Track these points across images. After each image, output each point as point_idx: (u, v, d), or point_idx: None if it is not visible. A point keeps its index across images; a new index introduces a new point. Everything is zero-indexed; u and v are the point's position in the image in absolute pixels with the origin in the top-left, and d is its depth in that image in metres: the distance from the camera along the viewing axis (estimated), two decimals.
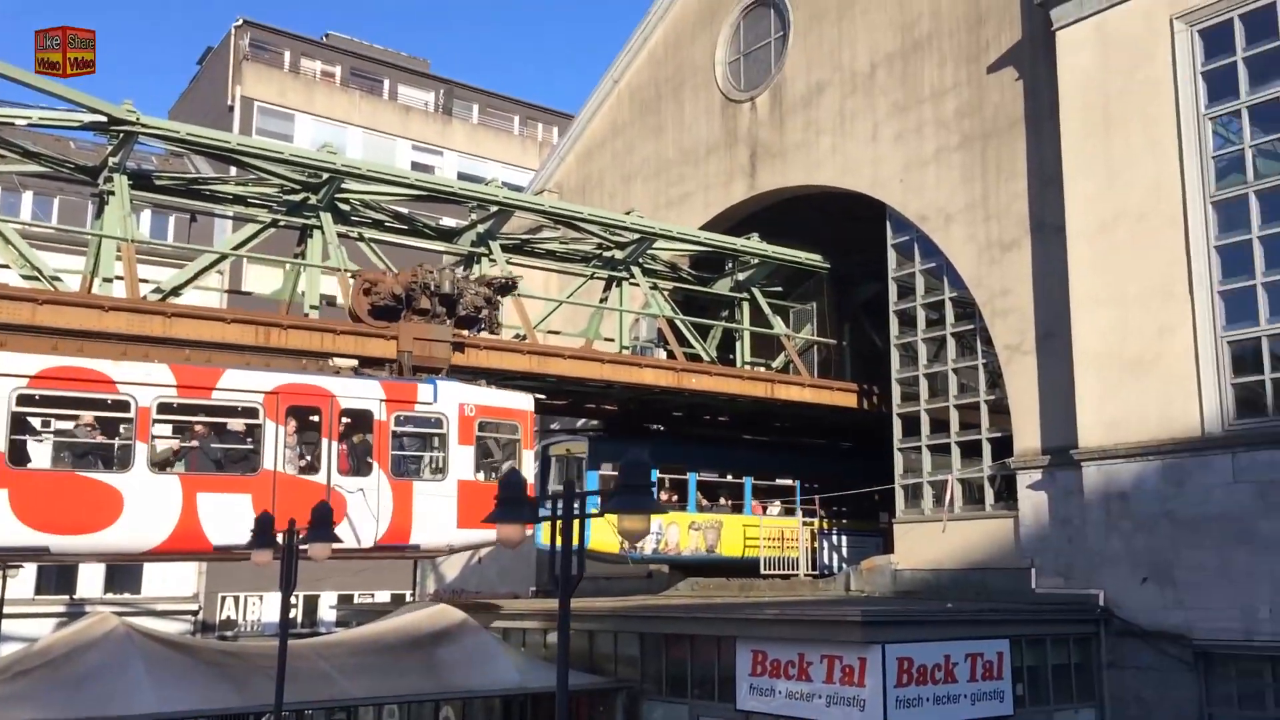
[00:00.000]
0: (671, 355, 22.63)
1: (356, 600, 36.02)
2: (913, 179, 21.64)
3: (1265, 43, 16.04)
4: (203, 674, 15.70)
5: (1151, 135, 16.99)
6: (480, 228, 20.91)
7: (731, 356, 24.23)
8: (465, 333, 18.25)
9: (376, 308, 17.39)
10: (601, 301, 22.85)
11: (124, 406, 14.61)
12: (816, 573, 23.59)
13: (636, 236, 22.25)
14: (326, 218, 18.72)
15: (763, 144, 25.15)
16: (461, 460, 16.94)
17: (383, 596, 37.67)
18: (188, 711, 14.78)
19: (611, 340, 22.34)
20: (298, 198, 18.86)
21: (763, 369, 23.93)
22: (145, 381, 14.73)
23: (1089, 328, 17.44)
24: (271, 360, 16.37)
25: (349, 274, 18.05)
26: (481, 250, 20.79)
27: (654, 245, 22.66)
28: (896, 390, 22.02)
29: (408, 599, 35.06)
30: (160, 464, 14.97)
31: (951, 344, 21.01)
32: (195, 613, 34.95)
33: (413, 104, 49.44)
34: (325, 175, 18.48)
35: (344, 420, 16.19)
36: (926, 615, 15.76)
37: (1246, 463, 15.34)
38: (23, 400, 14.06)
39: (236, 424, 15.66)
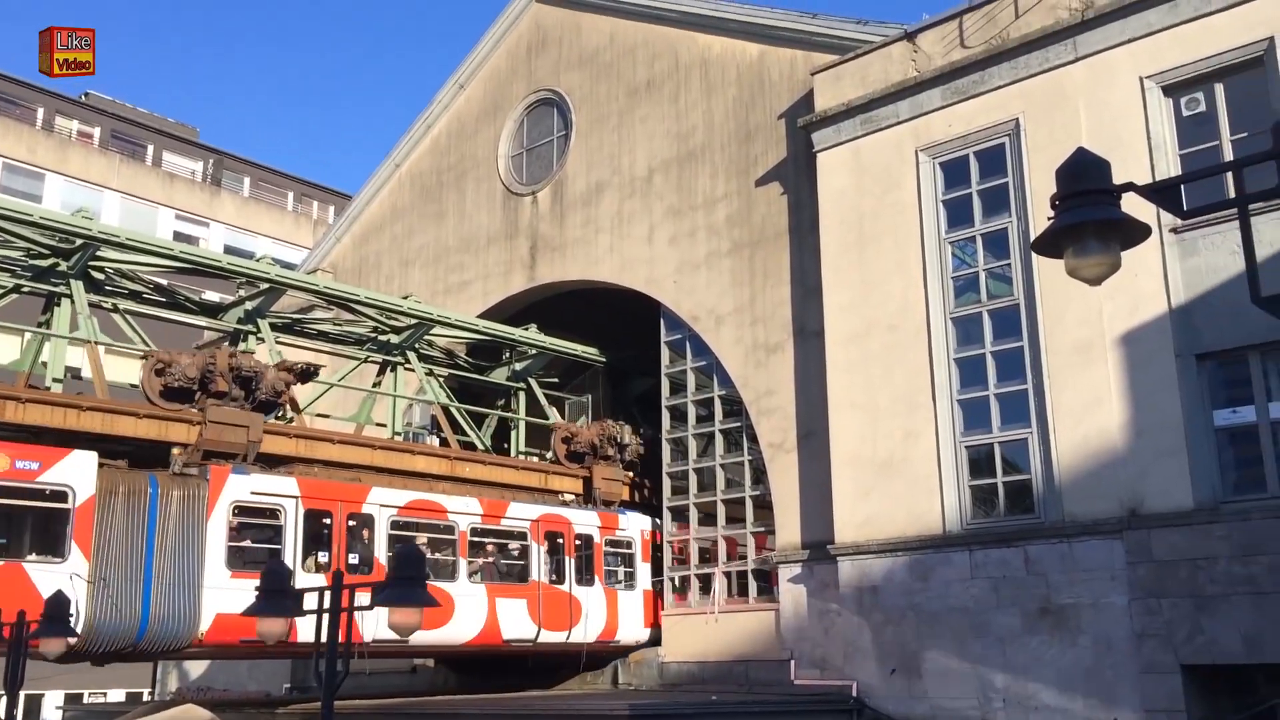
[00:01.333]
0: (445, 443, 22.37)
1: (86, 699, 32.86)
2: (685, 280, 22.57)
3: (995, 178, 17.86)
4: None
5: (900, 253, 18.47)
6: (249, 304, 20.18)
7: (506, 446, 24.19)
8: (263, 417, 17.61)
9: (169, 389, 16.86)
10: (375, 386, 22.39)
11: (451, 530, 19.18)
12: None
13: (414, 322, 22.05)
14: (78, 286, 17.59)
15: (543, 237, 25.62)
16: (644, 573, 22.18)
17: (116, 695, 34.56)
18: None
19: (384, 426, 21.87)
20: (46, 263, 17.63)
21: (536, 459, 24.00)
22: (463, 511, 19.43)
23: (844, 429, 18.55)
24: None
25: (144, 356, 17.24)
26: (249, 328, 20.03)
27: (431, 331, 22.52)
28: (667, 483, 22.59)
29: (145, 698, 32.31)
30: (472, 575, 19.31)
31: (720, 440, 21.82)
32: None
33: (178, 171, 47.34)
34: (79, 241, 17.40)
35: (576, 542, 21.13)
36: (691, 709, 16.05)
37: (981, 559, 16.60)
38: (394, 525, 18.28)
39: (514, 545, 20.38)
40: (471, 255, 26.98)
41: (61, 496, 14.77)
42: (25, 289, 17.85)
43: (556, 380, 25.95)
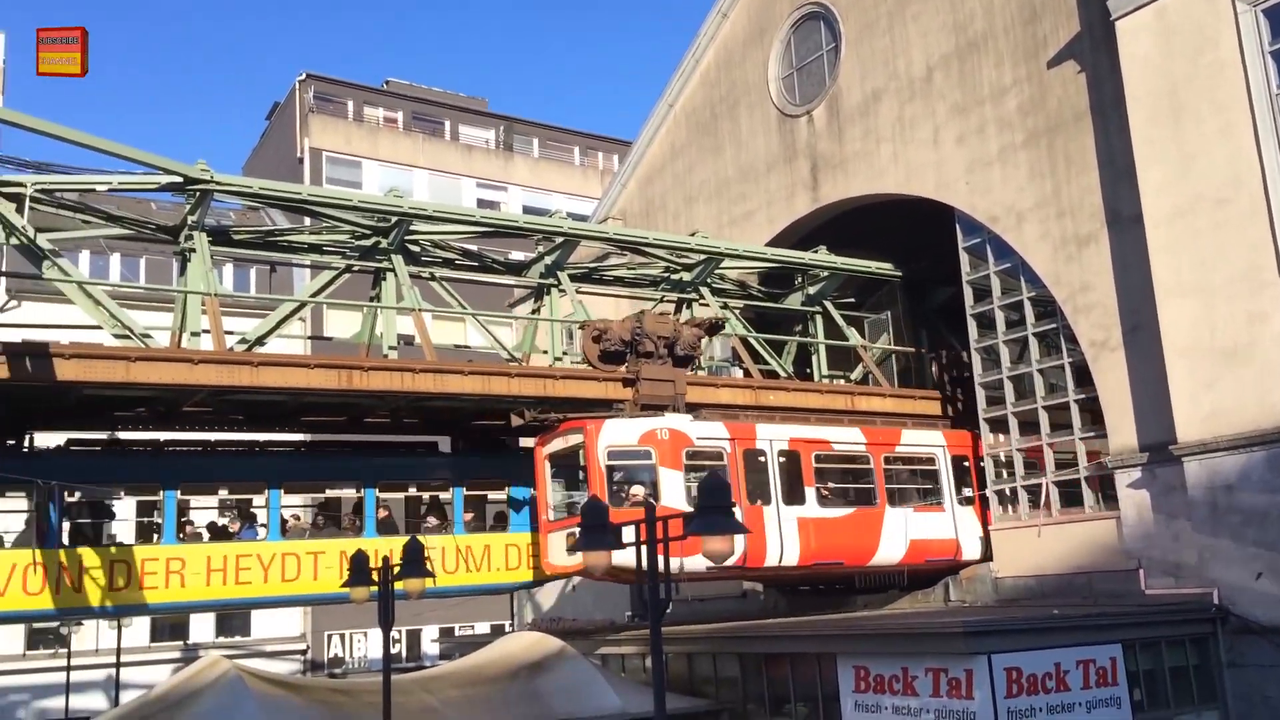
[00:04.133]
0: (747, 373, 22.52)
1: (457, 633, 36.34)
2: (979, 180, 21.33)
3: None
4: (313, 713, 15.96)
5: (1223, 119, 16.52)
6: (548, 259, 21.09)
7: (809, 371, 24.03)
8: (685, 372, 19.53)
9: (606, 353, 18.98)
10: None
11: (865, 460, 20.43)
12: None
13: (703, 257, 22.24)
14: (398, 260, 19.02)
15: (823, 156, 25.01)
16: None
17: (482, 628, 37.96)
18: None
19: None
20: (369, 242, 19.21)
21: (841, 382, 23.68)
22: (847, 440, 20.27)
23: (1176, 318, 16.97)
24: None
25: (580, 325, 19.73)
26: (550, 281, 20.96)
27: (721, 265, 22.63)
28: (981, 395, 21.63)
29: (506, 629, 35.30)
30: (891, 499, 20.36)
31: (1034, 344, 20.59)
32: (304, 652, 35.55)
33: (474, 143, 50.20)
34: (394, 219, 18.80)
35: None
36: (1032, 623, 15.36)
37: None
38: (782, 456, 19.42)
39: (917, 469, 21.26)
40: (752, 184, 26.81)
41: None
42: (355, 268, 19.55)
43: (853, 300, 25.41)
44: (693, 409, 19.11)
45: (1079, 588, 18.73)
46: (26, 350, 15.10)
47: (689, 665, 18.88)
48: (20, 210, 15.76)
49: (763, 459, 19.16)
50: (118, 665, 29.56)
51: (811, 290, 24.17)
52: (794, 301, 24.52)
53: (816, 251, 23.64)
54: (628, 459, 17.93)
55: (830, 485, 20.18)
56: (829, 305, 24.02)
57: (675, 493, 17.78)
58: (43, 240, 16.21)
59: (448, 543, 18.96)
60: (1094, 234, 19.11)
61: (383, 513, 18.95)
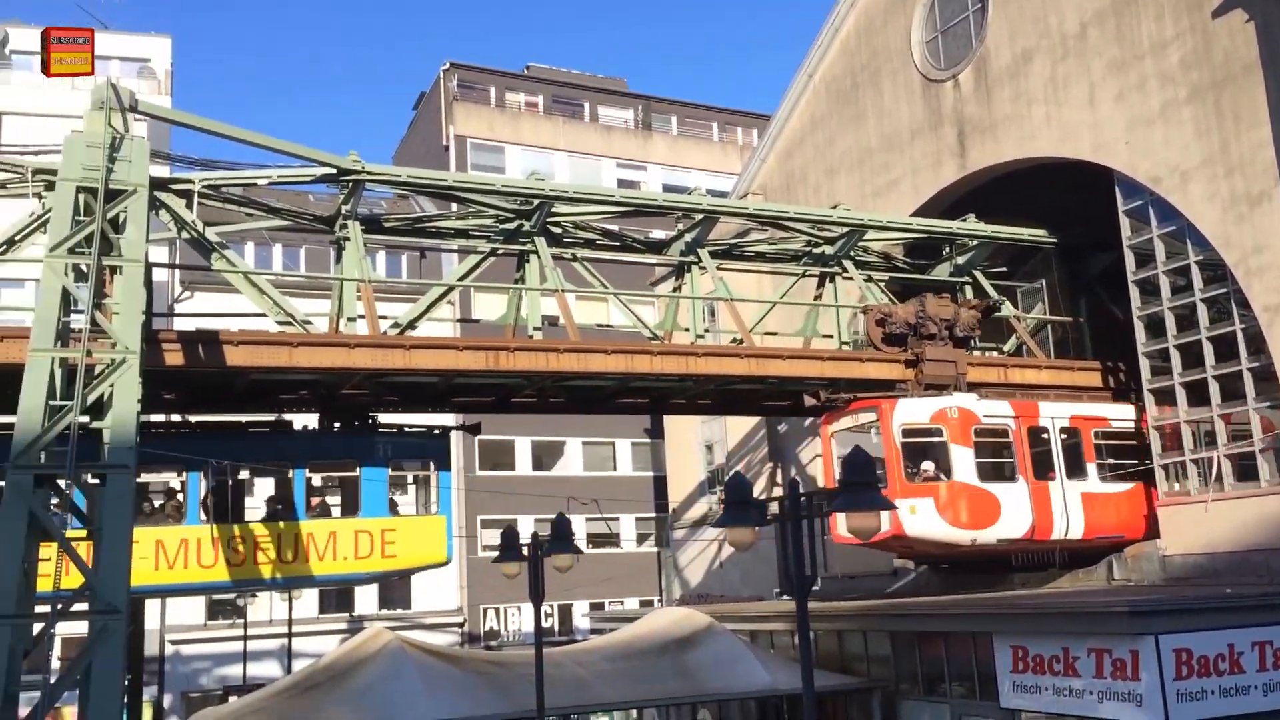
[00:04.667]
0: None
1: (607, 607, 36.97)
2: (1139, 139, 20.25)
3: None
4: (470, 682, 16.52)
5: None
6: (688, 237, 21.07)
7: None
8: (965, 353, 20.47)
9: (889, 336, 20.28)
10: (816, 299, 22.55)
11: (1138, 435, 20.90)
12: None
13: (845, 230, 21.83)
14: (540, 242, 19.31)
15: (970, 121, 24.18)
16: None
17: (631, 603, 38.53)
18: (460, 718, 15.55)
19: (830, 337, 21.99)
20: (513, 225, 19.56)
21: (994, 354, 22.94)
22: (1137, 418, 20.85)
23: None
24: None
25: (863, 309, 21.04)
26: (691, 259, 20.94)
27: (864, 237, 22.17)
28: (1145, 365, 20.62)
29: (655, 605, 35.73)
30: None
31: (1203, 310, 19.48)
32: (461, 625, 36.76)
33: (613, 123, 50.50)
34: (536, 201, 19.09)
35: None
36: (1203, 603, 14.61)
37: None
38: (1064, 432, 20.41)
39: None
40: (896, 153, 26.14)
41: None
42: (500, 251, 19.96)
43: (1004, 269, 24.53)
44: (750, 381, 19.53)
45: (1254, 565, 17.69)
46: (199, 338, 16.03)
47: (839, 642, 18.72)
48: (190, 205, 16.66)
49: (1045, 435, 20.15)
50: (289, 635, 31.18)
51: (960, 260, 23.45)
52: (942, 273, 23.84)
53: (965, 220, 22.90)
54: (920, 436, 18.99)
55: (1108, 460, 20.80)
56: (979, 275, 23.26)
57: (966, 468, 18.84)
58: (211, 234, 17.09)
59: (285, 530, 17.28)
60: (1266, 192, 17.93)
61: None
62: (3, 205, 30.53)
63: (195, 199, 16.78)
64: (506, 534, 13.69)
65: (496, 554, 14.44)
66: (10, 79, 38.23)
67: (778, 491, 26.44)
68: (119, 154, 14.84)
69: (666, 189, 42.34)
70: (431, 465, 18.73)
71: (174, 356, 15.72)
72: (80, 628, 11.45)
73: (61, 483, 11.96)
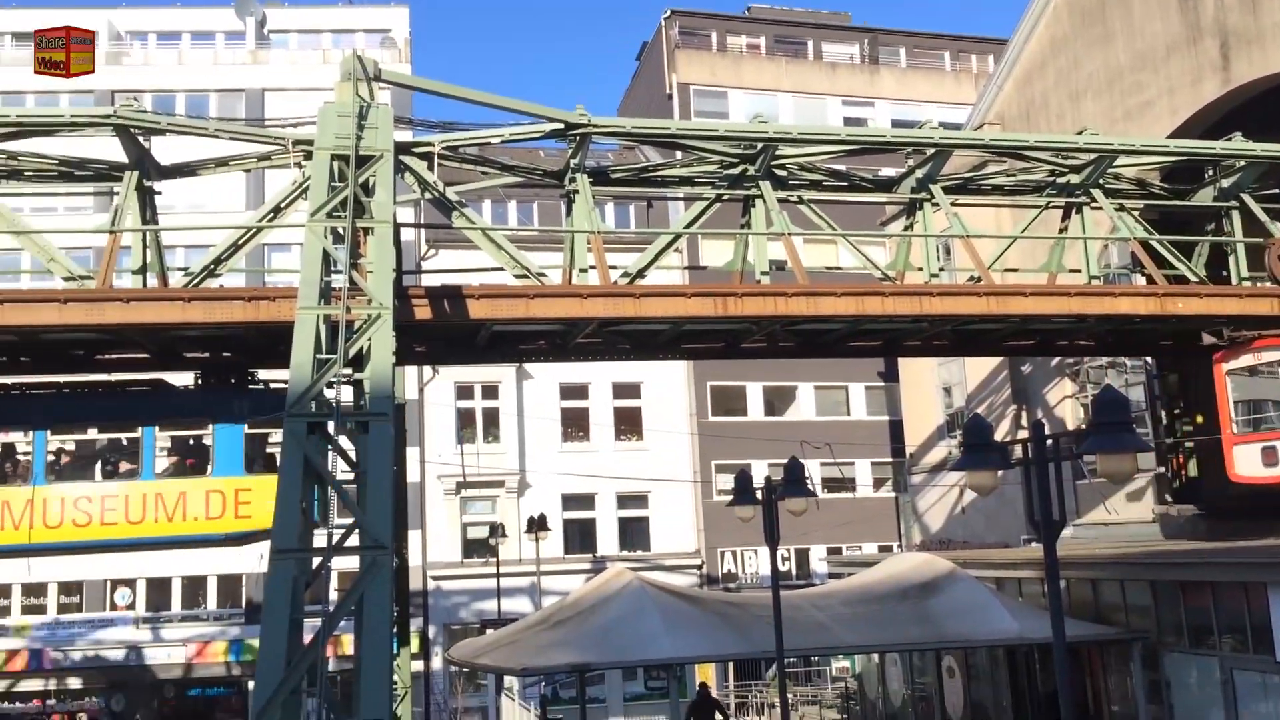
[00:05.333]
0: (1150, 280, 20.58)
1: (845, 552, 36.82)
2: None
3: None
4: (709, 622, 16.89)
5: None
6: (919, 173, 20.32)
7: (1224, 274, 21.50)
8: None
9: None
10: (1061, 232, 21.30)
11: None
12: None
13: (1093, 157, 20.42)
14: (765, 186, 19.14)
15: (1234, 31, 22.02)
16: None
17: (869, 548, 38.20)
18: (700, 656, 15.97)
19: (1078, 272, 20.76)
20: (737, 170, 19.48)
21: (1266, 284, 21.00)
22: None
23: None
24: None
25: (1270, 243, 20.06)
26: (922, 195, 20.21)
27: (1115, 163, 20.69)
28: None
29: (894, 550, 35.28)
30: None
31: None
32: (699, 566, 37.54)
33: (838, 60, 49.15)
34: (759, 145, 18.90)
35: None
36: None
37: None
38: None
39: None
40: (1149, 72, 24.18)
41: None
42: (725, 197, 19.94)
43: (1277, 191, 22.32)
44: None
45: None
46: (444, 293, 16.97)
47: (1094, 591, 17.90)
48: (431, 167, 17.56)
49: None
50: (538, 574, 32.84)
51: (1225, 183, 21.50)
52: (1204, 197, 21.94)
53: (1230, 139, 20.95)
54: None
55: None
56: (1247, 198, 21.28)
57: None
58: (451, 193, 17.95)
59: (132, 490, 16.76)
60: None
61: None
62: (270, 176, 33.06)
63: (435, 160, 17.65)
64: (740, 478, 13.86)
65: (730, 498, 14.64)
66: (270, 58, 41.22)
67: (1023, 435, 25.41)
68: (366, 121, 15.80)
69: (895, 124, 40.96)
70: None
71: (422, 311, 16.75)
72: (352, 563, 12.45)
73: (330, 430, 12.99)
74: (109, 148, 17.68)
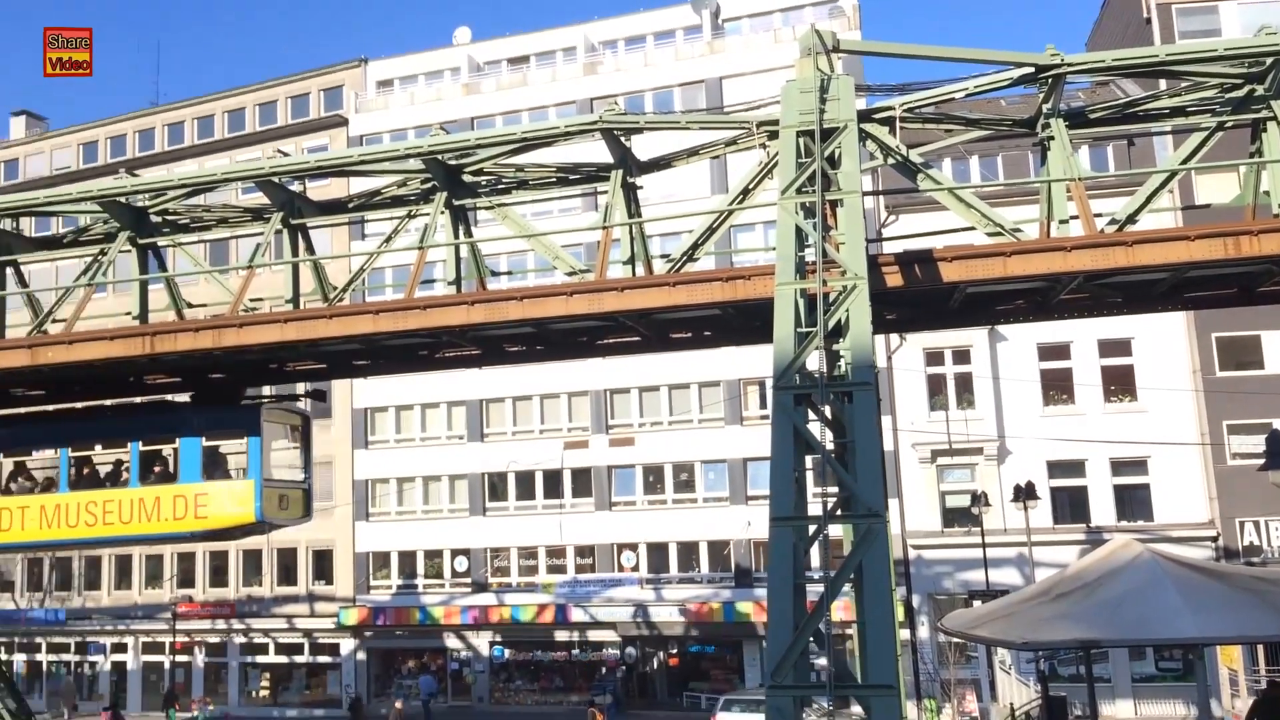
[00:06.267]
0: None
1: None
2: None
3: None
4: (1239, 600, 15.14)
5: None
6: None
7: None
8: None
9: None
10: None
11: None
12: None
13: None
14: (1278, 104, 16.66)
15: None
16: None
17: None
18: (1229, 637, 14.38)
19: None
20: (1242, 93, 17.14)
21: None
22: None
23: None
24: None
25: None
26: None
27: None
28: None
29: None
30: None
31: None
32: (1214, 539, 33.71)
33: None
34: (1269, 60, 16.47)
35: None
36: None
37: None
38: None
39: None
40: None
41: None
42: (1229, 125, 17.63)
43: None
44: None
45: None
46: (913, 258, 16.69)
47: None
48: (892, 131, 17.30)
49: None
50: (1029, 544, 31.36)
51: None
52: None
53: None
54: None
55: None
56: None
57: None
58: (914, 155, 17.57)
59: (124, 496, 20.85)
60: None
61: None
62: (731, 161, 34.47)
63: (896, 124, 17.35)
64: (1272, 439, 12.20)
65: (1262, 462, 12.95)
66: (725, 46, 42.95)
67: None
68: (828, 94, 15.91)
69: None
70: (245, 434, 20.87)
71: (893, 278, 16.61)
72: (836, 531, 12.67)
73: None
74: (592, 151, 19.42)
